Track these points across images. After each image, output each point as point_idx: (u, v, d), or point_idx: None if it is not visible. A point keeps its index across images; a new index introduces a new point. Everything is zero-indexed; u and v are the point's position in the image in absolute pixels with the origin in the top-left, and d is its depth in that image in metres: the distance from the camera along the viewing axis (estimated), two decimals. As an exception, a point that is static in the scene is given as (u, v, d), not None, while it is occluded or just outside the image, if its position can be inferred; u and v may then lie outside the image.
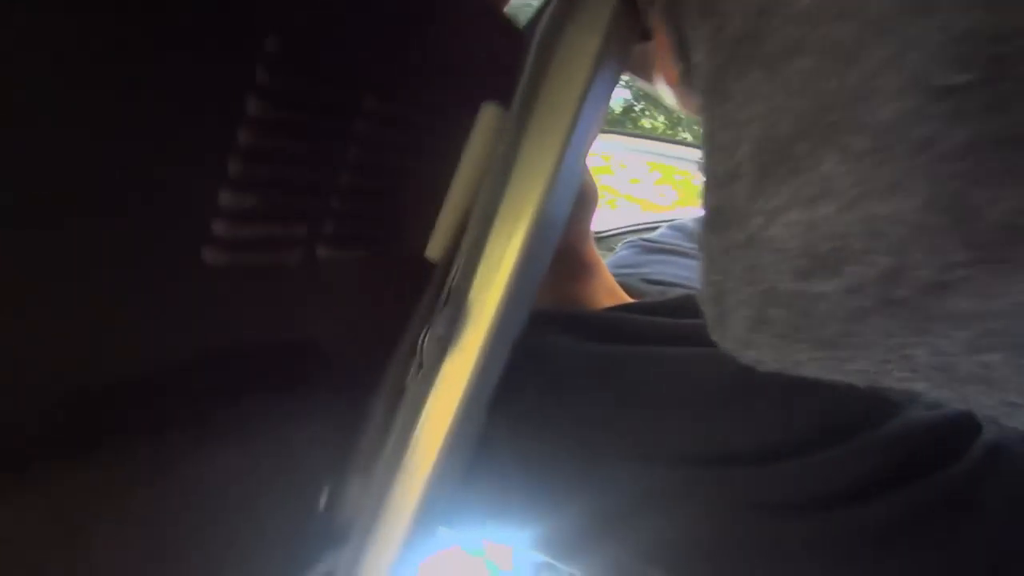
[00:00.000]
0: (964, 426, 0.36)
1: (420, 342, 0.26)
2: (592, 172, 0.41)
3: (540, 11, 0.32)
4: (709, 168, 0.19)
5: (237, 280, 0.22)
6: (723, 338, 0.21)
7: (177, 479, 0.19)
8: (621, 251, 0.57)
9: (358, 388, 0.29)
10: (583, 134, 0.28)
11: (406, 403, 0.29)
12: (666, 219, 0.91)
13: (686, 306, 0.40)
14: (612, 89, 0.32)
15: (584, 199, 0.40)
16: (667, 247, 0.54)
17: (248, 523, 0.23)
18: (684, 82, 0.26)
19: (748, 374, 0.36)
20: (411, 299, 0.29)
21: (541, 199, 0.26)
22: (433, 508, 0.29)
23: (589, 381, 0.34)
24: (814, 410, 0.35)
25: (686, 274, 0.49)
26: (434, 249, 0.29)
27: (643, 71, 0.34)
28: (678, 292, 0.43)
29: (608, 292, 0.45)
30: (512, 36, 0.29)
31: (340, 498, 0.30)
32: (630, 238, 0.59)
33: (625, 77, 0.34)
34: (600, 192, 0.42)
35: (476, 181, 0.29)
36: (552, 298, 0.43)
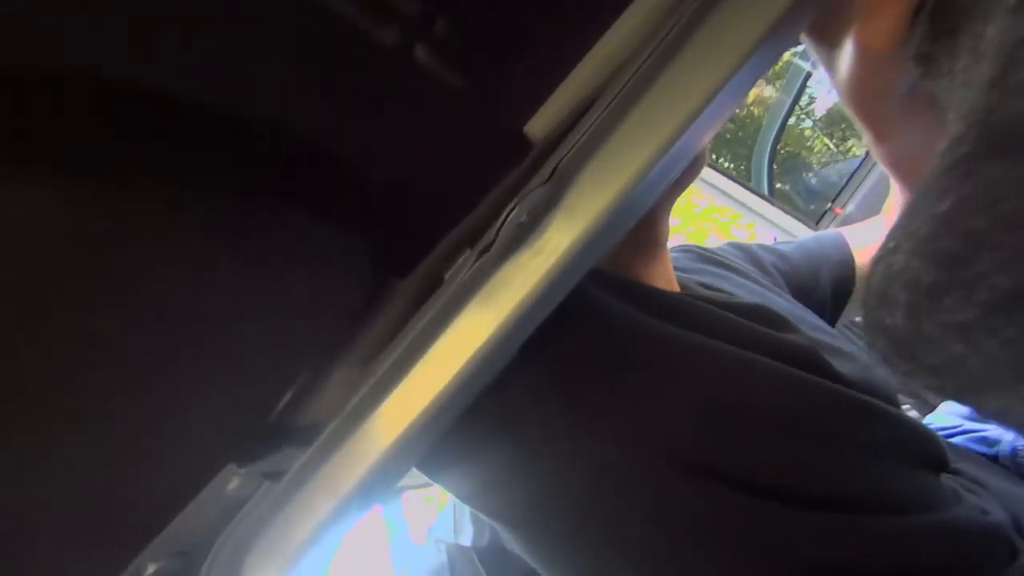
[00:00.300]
0: (1009, 542, 0.33)
1: (496, 227, 0.20)
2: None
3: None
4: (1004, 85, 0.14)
5: (306, 20, 0.15)
6: (916, 320, 0.16)
7: (164, 241, 0.13)
8: (673, 253, 0.52)
9: (392, 256, 0.22)
10: (765, 57, 0.22)
11: (441, 298, 0.22)
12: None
13: (760, 314, 0.34)
14: (792, 41, 0.27)
15: (691, 165, 0.34)
16: (725, 261, 0.48)
17: (207, 348, 0.17)
18: (925, 22, 0.21)
19: (811, 408, 0.31)
20: (488, 175, 0.23)
21: (698, 107, 0.21)
22: (426, 437, 0.23)
23: (641, 353, 0.29)
24: (873, 473, 0.30)
25: (742, 293, 0.44)
26: (538, 125, 0.23)
27: (828, 31, 0.28)
28: (751, 300, 0.37)
29: (666, 280, 0.39)
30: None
31: (314, 389, 0.24)
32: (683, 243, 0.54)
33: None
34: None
35: (618, 62, 0.23)
36: (605, 264, 0.37)
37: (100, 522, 0.24)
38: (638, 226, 0.37)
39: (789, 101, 1.42)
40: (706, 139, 0.25)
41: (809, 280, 0.49)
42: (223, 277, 0.16)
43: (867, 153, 1.26)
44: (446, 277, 0.24)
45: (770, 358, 0.30)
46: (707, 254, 0.50)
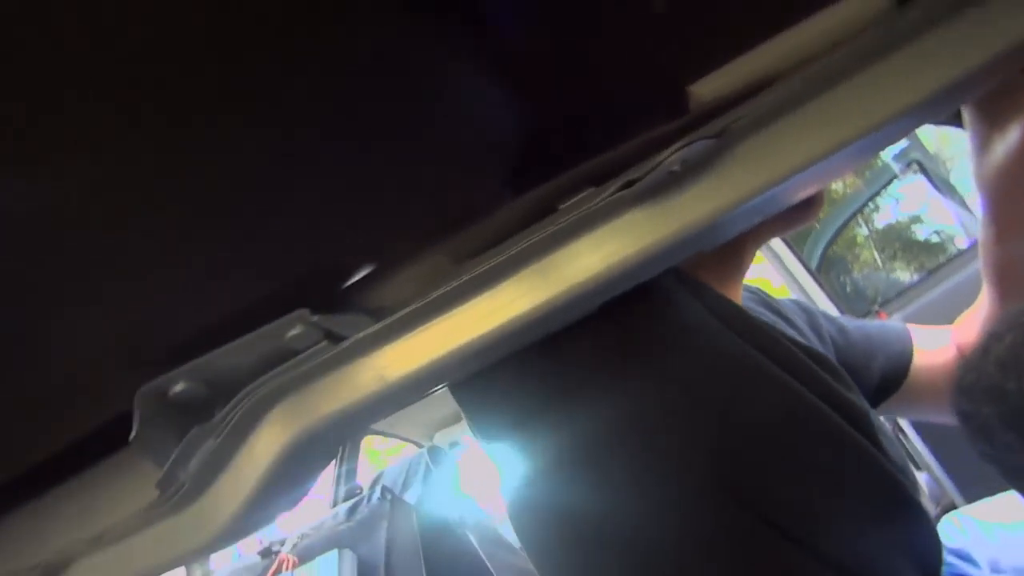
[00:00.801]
0: None
1: (648, 167, 0.20)
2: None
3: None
4: None
5: None
6: None
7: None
8: (734, 290, 0.51)
9: (518, 165, 0.22)
10: (956, 94, 0.22)
11: (552, 225, 0.22)
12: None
13: (824, 362, 0.34)
14: (980, 91, 0.25)
15: (811, 202, 0.33)
16: (784, 312, 0.47)
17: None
18: None
19: (851, 468, 0.30)
20: (639, 116, 0.22)
21: (895, 113, 0.20)
22: (495, 351, 0.23)
23: (703, 357, 0.28)
24: (884, 559, 0.29)
25: (798, 346, 0.43)
26: (707, 88, 0.22)
27: (997, 106, 0.27)
28: (821, 348, 0.36)
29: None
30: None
31: (402, 267, 0.23)
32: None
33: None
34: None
35: (809, 53, 0.22)
36: (686, 267, 0.36)
37: (152, 333, 0.23)
38: (728, 245, 0.36)
39: (866, 196, 1.40)
40: (864, 159, 0.25)
41: (860, 363, 0.48)
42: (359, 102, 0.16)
43: (927, 273, 1.23)
44: (561, 207, 0.23)
45: (823, 401, 0.29)
46: (769, 300, 0.49)
